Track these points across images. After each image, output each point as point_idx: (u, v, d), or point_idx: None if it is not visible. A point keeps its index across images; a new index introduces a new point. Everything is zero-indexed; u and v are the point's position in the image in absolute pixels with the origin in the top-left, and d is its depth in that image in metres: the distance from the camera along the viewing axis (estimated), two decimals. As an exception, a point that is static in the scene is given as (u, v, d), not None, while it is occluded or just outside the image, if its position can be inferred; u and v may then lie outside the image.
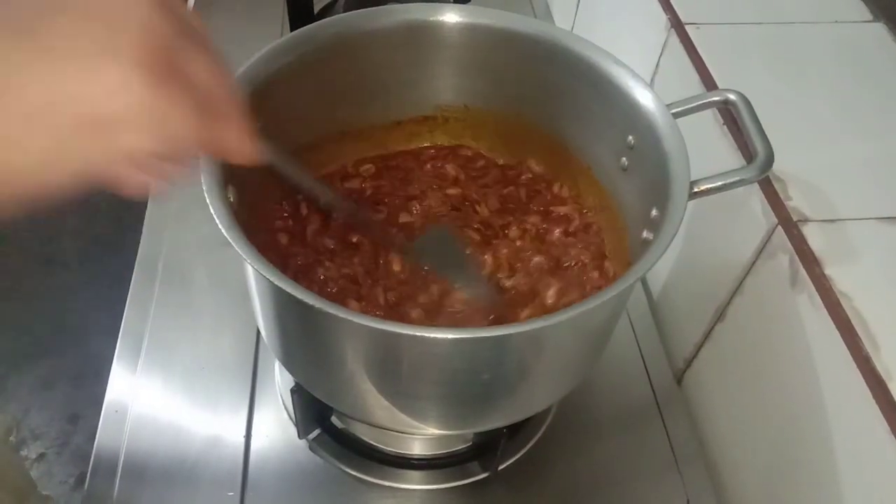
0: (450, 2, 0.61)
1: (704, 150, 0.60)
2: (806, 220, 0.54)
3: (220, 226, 0.42)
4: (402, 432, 0.61)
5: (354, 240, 0.60)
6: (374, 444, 0.63)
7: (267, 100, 0.52)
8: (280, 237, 0.59)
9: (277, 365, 0.68)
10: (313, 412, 0.62)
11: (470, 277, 0.58)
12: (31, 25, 0.24)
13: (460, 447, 0.63)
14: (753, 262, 0.59)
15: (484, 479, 0.62)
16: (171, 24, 0.26)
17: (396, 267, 0.58)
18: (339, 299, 0.55)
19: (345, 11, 0.59)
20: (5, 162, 0.24)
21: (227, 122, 0.31)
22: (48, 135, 0.24)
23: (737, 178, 0.49)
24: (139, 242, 0.77)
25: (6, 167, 0.24)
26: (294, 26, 0.97)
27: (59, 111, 0.24)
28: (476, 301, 0.57)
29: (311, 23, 0.57)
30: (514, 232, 0.62)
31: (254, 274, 0.48)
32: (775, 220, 0.56)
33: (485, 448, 0.62)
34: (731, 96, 0.53)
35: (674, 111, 0.52)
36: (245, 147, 0.32)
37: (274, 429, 0.64)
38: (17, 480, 0.69)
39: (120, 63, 0.24)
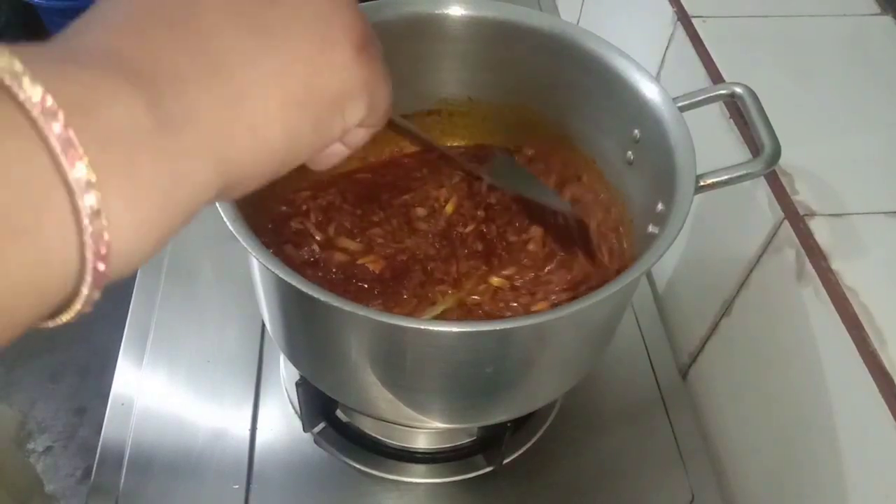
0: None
1: (711, 143, 0.60)
2: (813, 215, 0.54)
3: (225, 219, 0.42)
4: (407, 426, 0.61)
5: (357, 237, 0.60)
6: (379, 437, 0.63)
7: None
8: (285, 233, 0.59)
9: (282, 358, 0.68)
10: (318, 405, 0.62)
11: (547, 193, 0.62)
12: (260, 22, 0.26)
13: (465, 441, 0.64)
14: (760, 257, 0.59)
15: (488, 473, 0.63)
16: (365, 21, 0.30)
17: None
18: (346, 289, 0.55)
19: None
20: (256, 146, 0.26)
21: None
22: (298, 116, 0.27)
23: (743, 172, 0.48)
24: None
25: (258, 150, 0.26)
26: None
27: (309, 94, 0.27)
28: (562, 209, 0.60)
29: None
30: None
31: (259, 267, 0.48)
32: (782, 214, 0.55)
33: (489, 442, 0.62)
34: (738, 89, 0.52)
35: (680, 104, 0.52)
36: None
37: (279, 422, 0.64)
38: (22, 479, 0.70)
39: (343, 47, 0.28)
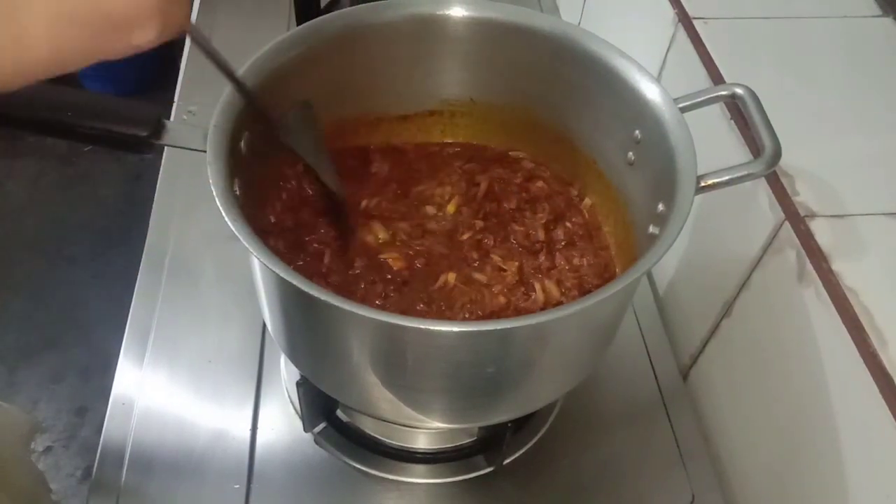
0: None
1: (711, 144, 0.60)
2: (813, 216, 0.54)
3: (226, 219, 0.42)
4: (407, 426, 0.61)
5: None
6: (380, 437, 0.63)
7: (274, 92, 0.52)
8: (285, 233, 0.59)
9: (283, 358, 0.68)
10: (319, 405, 0.62)
11: (325, 163, 0.57)
12: None
13: (465, 441, 0.64)
14: (760, 258, 0.59)
15: (489, 473, 0.63)
16: None
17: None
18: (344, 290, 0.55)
19: (351, 5, 0.59)
20: (34, 57, 0.28)
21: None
22: (69, 32, 0.28)
23: (744, 173, 0.49)
24: (146, 235, 0.77)
25: (33, 60, 0.28)
26: (301, 20, 0.97)
27: (87, 15, 0.28)
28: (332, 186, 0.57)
29: (317, 17, 0.56)
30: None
31: (260, 267, 0.49)
32: (782, 215, 0.55)
33: (490, 442, 0.62)
34: (739, 90, 0.52)
35: (681, 105, 0.52)
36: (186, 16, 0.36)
37: (280, 422, 0.64)
38: (29, 483, 0.70)
39: None
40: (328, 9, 0.99)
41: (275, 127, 0.53)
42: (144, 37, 0.30)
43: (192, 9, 0.34)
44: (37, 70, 0.29)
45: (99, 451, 0.62)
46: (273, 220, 0.59)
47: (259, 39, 0.54)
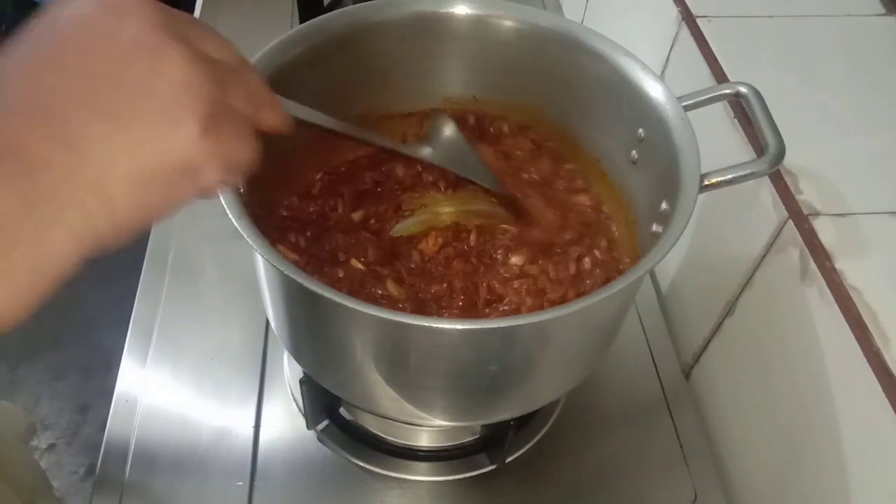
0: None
1: (715, 143, 0.60)
2: (817, 214, 0.54)
3: (230, 216, 0.42)
4: (410, 424, 0.61)
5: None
6: (382, 435, 0.64)
7: (279, 89, 0.52)
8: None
9: (286, 356, 0.68)
10: (322, 403, 0.62)
11: (484, 174, 0.60)
12: (110, 107, 0.29)
13: (468, 439, 0.64)
14: (763, 256, 0.59)
15: (491, 471, 0.63)
16: (202, 71, 0.31)
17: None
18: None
19: (354, 3, 0.59)
20: (114, 217, 0.30)
21: (265, 109, 0.36)
22: (147, 189, 0.30)
23: (747, 172, 0.48)
24: (149, 234, 0.77)
25: (116, 219, 0.30)
26: (304, 18, 0.97)
27: (140, 166, 0.30)
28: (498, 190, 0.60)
29: (320, 15, 0.57)
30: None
31: (263, 264, 0.49)
32: (786, 214, 0.55)
33: (492, 440, 0.62)
34: (742, 89, 0.52)
35: (684, 104, 0.52)
36: (284, 121, 0.38)
37: (283, 420, 0.65)
38: (29, 478, 0.70)
39: (187, 125, 0.30)
40: (331, 7, 0.99)
41: (422, 161, 0.58)
42: (208, 178, 0.32)
43: (254, 148, 0.36)
44: (130, 228, 0.31)
45: (102, 448, 0.62)
46: (283, 215, 0.59)
47: (262, 38, 0.54)
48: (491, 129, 0.66)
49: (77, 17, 0.30)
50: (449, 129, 0.62)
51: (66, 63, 0.29)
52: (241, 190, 0.47)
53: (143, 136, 0.30)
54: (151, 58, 0.30)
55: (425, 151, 0.61)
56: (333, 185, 0.63)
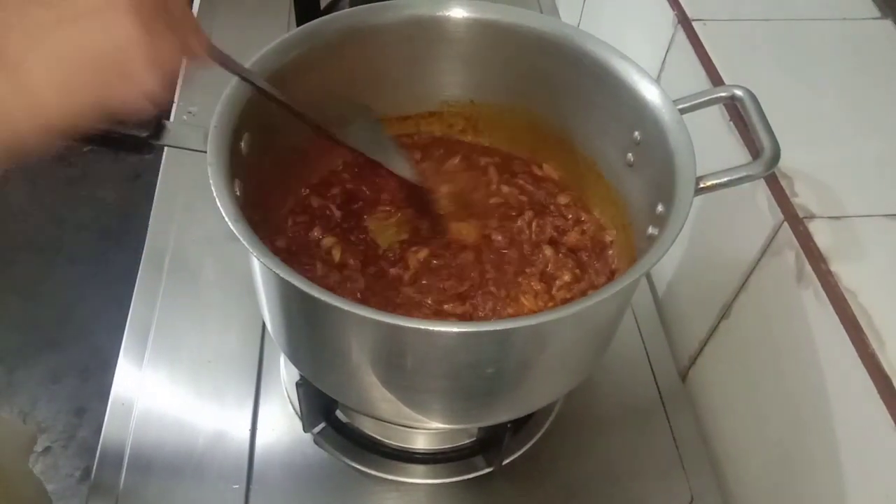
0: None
1: (711, 146, 0.60)
2: (812, 217, 0.54)
3: (226, 219, 0.42)
4: (407, 426, 0.61)
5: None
6: (379, 438, 0.63)
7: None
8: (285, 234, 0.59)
9: (283, 359, 0.68)
10: (318, 406, 0.62)
11: (393, 151, 0.61)
12: None
13: (464, 442, 0.64)
14: (759, 259, 0.59)
15: (488, 473, 0.63)
16: None
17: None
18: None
19: (351, 6, 0.59)
20: (44, 104, 0.30)
21: (189, 32, 0.37)
22: (78, 74, 0.30)
23: (743, 174, 0.49)
24: (146, 235, 0.77)
25: (44, 103, 0.30)
26: (301, 22, 0.97)
27: (87, 57, 0.30)
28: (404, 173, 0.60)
29: (317, 18, 0.57)
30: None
31: (260, 267, 0.49)
32: (781, 217, 0.55)
33: (489, 443, 0.62)
34: (738, 92, 0.52)
35: (680, 107, 0.52)
36: (201, 46, 0.39)
37: (279, 422, 0.64)
38: (30, 494, 0.70)
39: (120, 16, 0.30)
40: (328, 10, 0.99)
41: (328, 130, 0.56)
42: (139, 69, 0.31)
43: (201, 38, 0.36)
44: (50, 118, 0.30)
45: (98, 451, 0.62)
46: (278, 222, 0.59)
47: (258, 40, 0.54)
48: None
49: None
50: (367, 117, 0.61)
51: None
52: (238, 192, 0.47)
53: (73, 12, 0.29)
54: None
55: (347, 132, 0.59)
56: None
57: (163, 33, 0.33)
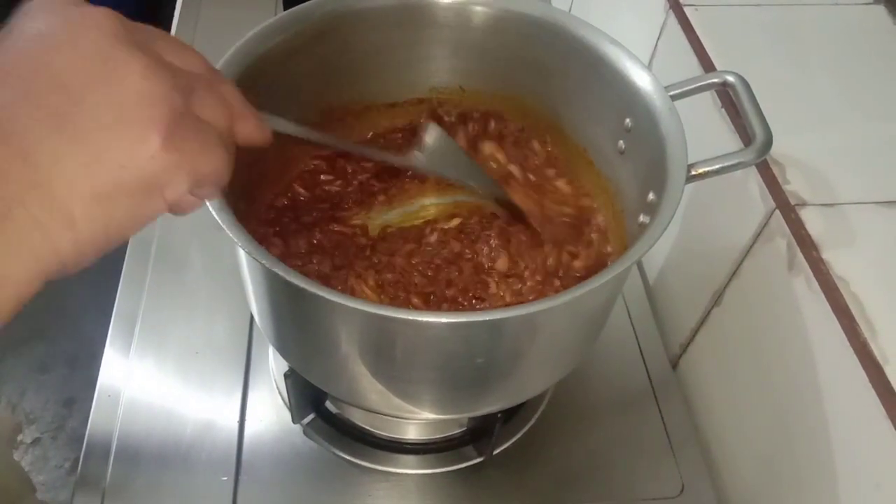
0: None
1: (702, 132, 0.60)
2: (804, 204, 0.54)
3: (210, 208, 0.42)
4: (397, 417, 0.61)
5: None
6: (369, 428, 0.63)
7: (260, 78, 0.51)
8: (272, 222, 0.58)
9: (271, 349, 0.68)
10: (307, 397, 0.62)
11: (480, 177, 0.59)
12: (67, 119, 0.28)
13: (455, 432, 0.63)
14: (751, 246, 0.59)
15: (479, 463, 0.62)
16: (164, 79, 0.30)
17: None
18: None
19: (339, -9, 0.58)
20: (76, 238, 0.29)
21: (241, 122, 0.35)
22: (111, 206, 0.29)
23: (734, 162, 0.48)
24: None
25: (79, 240, 0.29)
26: (287, 6, 0.95)
27: (100, 180, 0.29)
28: (489, 198, 0.59)
29: (304, 2, 0.56)
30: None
31: (246, 257, 0.48)
32: (773, 204, 0.55)
33: (480, 432, 0.62)
34: (730, 78, 0.52)
35: (672, 93, 0.51)
36: (262, 133, 0.37)
37: (268, 413, 0.64)
38: (12, 482, 0.69)
39: (148, 136, 0.29)
40: (316, -5, 0.97)
41: (409, 166, 0.57)
42: (176, 190, 0.31)
43: (229, 159, 0.34)
44: (96, 246, 0.30)
45: (85, 443, 0.61)
46: (267, 210, 0.58)
47: (244, 28, 0.53)
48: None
49: (39, 30, 0.29)
50: (436, 134, 0.59)
51: (24, 76, 0.28)
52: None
53: (102, 149, 0.28)
54: (110, 68, 0.29)
55: (417, 159, 0.58)
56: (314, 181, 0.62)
57: (200, 143, 0.31)
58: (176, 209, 0.33)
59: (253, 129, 0.36)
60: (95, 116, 0.28)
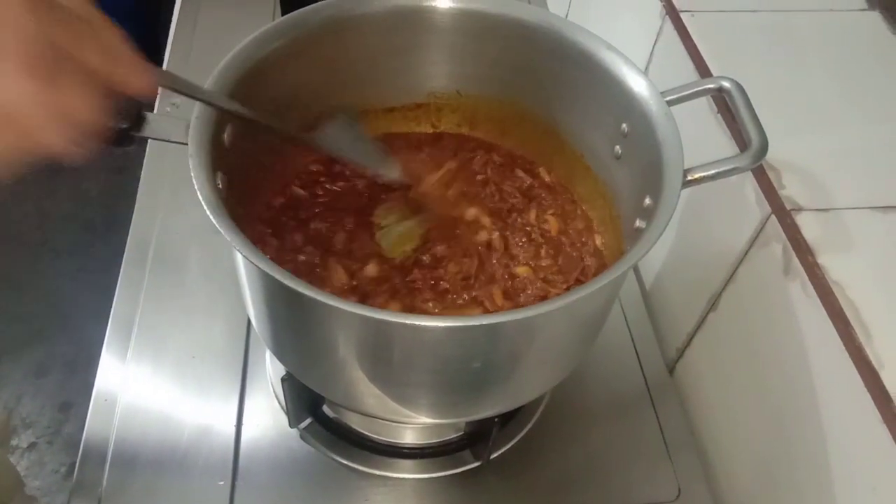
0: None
1: (698, 138, 0.60)
2: (799, 209, 0.54)
3: (207, 211, 0.42)
4: (394, 421, 0.61)
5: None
6: (366, 433, 0.63)
7: (258, 83, 0.52)
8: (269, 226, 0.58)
9: (269, 353, 0.68)
10: (304, 401, 0.62)
11: (377, 156, 0.59)
12: None
13: (452, 436, 0.63)
14: (747, 251, 0.59)
15: (476, 468, 0.62)
16: (42, 18, 0.29)
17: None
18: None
19: (337, -4, 0.58)
20: None
21: (121, 66, 0.34)
22: None
23: (730, 167, 0.48)
24: (129, 227, 0.76)
25: None
26: (286, 11, 0.96)
27: None
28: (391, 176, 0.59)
29: (302, 7, 0.56)
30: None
31: (243, 262, 0.48)
32: (769, 209, 0.55)
33: (477, 437, 0.62)
34: (726, 84, 0.52)
35: (668, 99, 0.52)
36: (144, 80, 0.36)
37: (265, 418, 0.64)
38: (4, 479, 0.69)
39: (6, 71, 0.29)
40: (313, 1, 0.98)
41: (301, 139, 0.55)
42: (42, 128, 0.30)
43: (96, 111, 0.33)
44: None
45: (81, 447, 0.61)
46: (265, 212, 0.58)
47: (244, 31, 0.53)
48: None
49: None
50: (343, 119, 0.59)
51: None
52: (220, 185, 0.46)
53: None
54: None
55: (318, 138, 0.57)
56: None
57: (74, 83, 0.31)
58: (51, 151, 0.32)
59: (137, 77, 0.35)
60: None
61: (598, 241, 0.61)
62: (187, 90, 0.45)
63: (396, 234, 0.59)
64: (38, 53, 0.29)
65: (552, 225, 0.62)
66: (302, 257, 0.57)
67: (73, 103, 0.31)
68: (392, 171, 0.60)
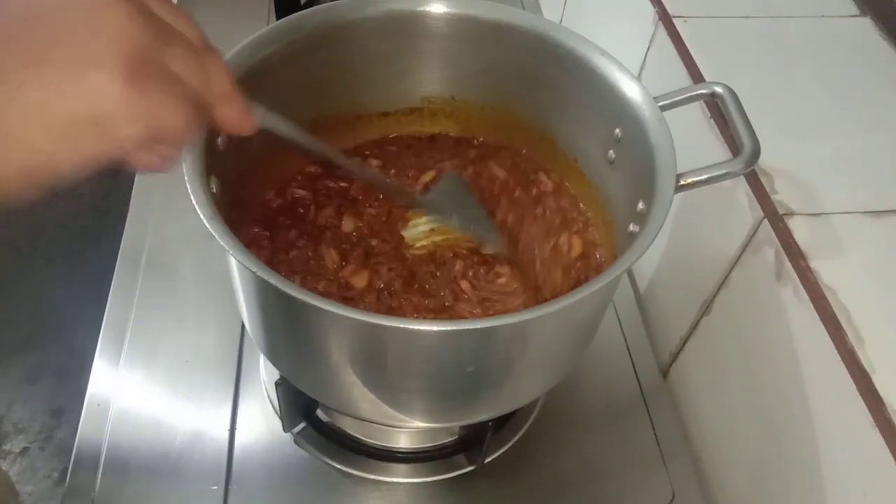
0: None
1: (691, 143, 0.60)
2: (792, 214, 0.54)
3: (201, 216, 0.42)
4: (388, 425, 0.61)
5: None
6: (360, 437, 0.63)
7: (252, 88, 0.51)
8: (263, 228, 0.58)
9: (262, 358, 0.68)
10: (298, 405, 0.62)
11: (483, 226, 0.59)
12: (16, 35, 0.28)
13: (446, 440, 0.63)
14: (739, 256, 0.59)
15: (470, 472, 0.62)
16: (145, 28, 0.30)
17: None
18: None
19: (331, 0, 0.58)
20: (13, 158, 0.28)
21: (223, 101, 0.35)
22: (47, 132, 0.28)
23: (723, 172, 0.49)
24: (122, 232, 0.76)
25: (14, 162, 0.28)
26: (280, 16, 0.96)
27: (54, 111, 0.28)
28: (491, 248, 0.58)
29: (297, 12, 0.56)
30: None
31: (237, 266, 0.48)
32: (761, 214, 0.56)
33: (471, 441, 0.62)
34: (718, 89, 0.52)
35: (661, 104, 0.52)
36: (244, 119, 0.37)
37: (259, 422, 0.64)
38: None
39: (99, 68, 0.28)
40: (308, 5, 0.98)
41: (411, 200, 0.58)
42: (125, 133, 0.30)
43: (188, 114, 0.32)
44: (35, 171, 0.29)
45: (73, 453, 0.61)
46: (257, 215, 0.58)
47: (237, 36, 0.53)
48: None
49: None
50: (454, 182, 0.61)
51: (8, 4, 0.28)
52: (214, 189, 0.46)
53: (63, 79, 0.28)
54: (95, 11, 0.29)
55: (427, 197, 0.59)
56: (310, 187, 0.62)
57: (167, 97, 0.30)
58: (130, 160, 0.32)
59: (236, 113, 0.35)
60: (67, 53, 0.28)
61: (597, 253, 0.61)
62: (288, 134, 0.45)
63: (426, 229, 0.59)
64: (137, 63, 0.29)
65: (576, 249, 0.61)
66: (294, 252, 0.57)
67: (162, 115, 0.30)
68: (496, 245, 0.59)
